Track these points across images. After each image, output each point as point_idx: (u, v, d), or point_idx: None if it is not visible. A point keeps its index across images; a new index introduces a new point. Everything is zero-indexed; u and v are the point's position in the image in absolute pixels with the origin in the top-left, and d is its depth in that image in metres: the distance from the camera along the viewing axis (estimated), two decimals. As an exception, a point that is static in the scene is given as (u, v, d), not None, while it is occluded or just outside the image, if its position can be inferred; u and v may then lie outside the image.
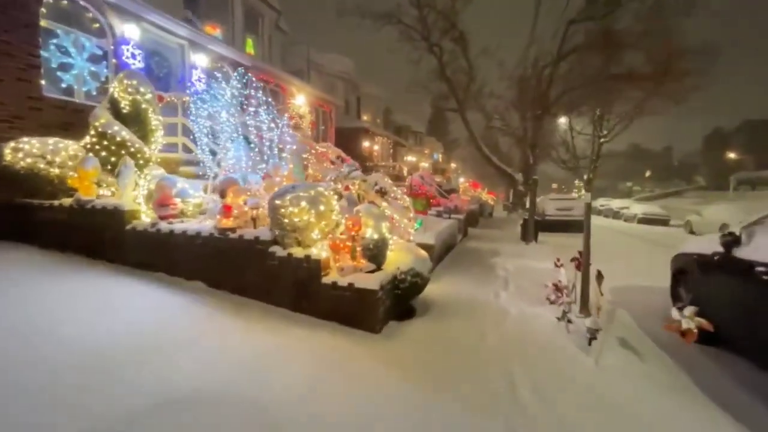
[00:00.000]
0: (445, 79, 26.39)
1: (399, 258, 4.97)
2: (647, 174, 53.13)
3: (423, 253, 5.38)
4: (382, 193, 7.00)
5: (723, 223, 18.71)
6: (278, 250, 4.54)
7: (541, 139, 15.32)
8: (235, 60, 10.84)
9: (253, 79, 8.46)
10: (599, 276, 4.16)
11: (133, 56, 7.91)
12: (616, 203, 33.42)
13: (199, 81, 9.56)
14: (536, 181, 12.78)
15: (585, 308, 4.95)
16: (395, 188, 7.20)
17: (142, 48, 8.18)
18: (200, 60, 9.60)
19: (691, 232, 20.45)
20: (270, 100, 8.13)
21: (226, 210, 4.80)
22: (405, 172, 21.23)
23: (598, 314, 4.10)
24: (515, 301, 5.90)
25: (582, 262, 5.34)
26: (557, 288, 5.66)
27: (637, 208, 28.53)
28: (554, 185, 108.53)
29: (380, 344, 4.04)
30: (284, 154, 7.45)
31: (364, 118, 26.13)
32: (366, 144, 20.02)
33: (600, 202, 36.15)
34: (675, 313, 3.63)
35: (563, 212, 18.77)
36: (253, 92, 7.62)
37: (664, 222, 26.33)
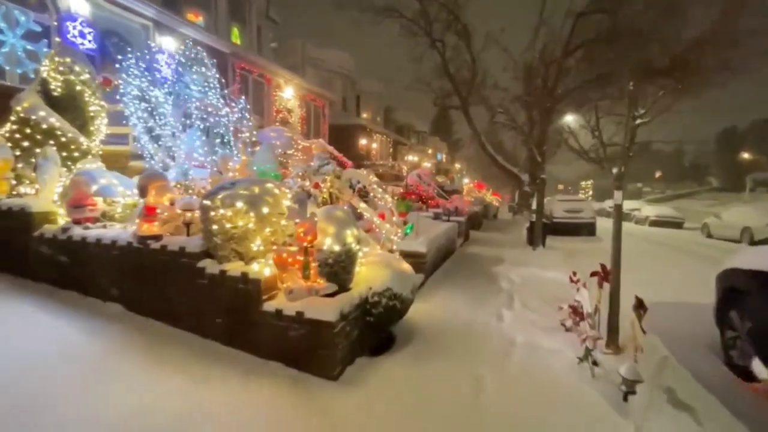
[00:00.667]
0: (448, 76, 25.31)
1: (372, 274, 3.86)
2: (657, 175, 51.53)
3: (406, 267, 4.27)
4: (363, 193, 5.92)
5: (745, 226, 17.53)
6: (209, 266, 3.45)
7: (549, 136, 14.20)
8: (210, 45, 9.83)
9: (211, 60, 7.38)
10: (640, 306, 3.01)
11: (82, 35, 6.90)
12: (626, 205, 32.14)
13: (168, 67, 8.52)
14: (544, 180, 11.63)
15: (614, 342, 3.81)
16: (378, 187, 6.12)
17: (95, 27, 7.17)
18: (168, 44, 8.59)
19: (709, 236, 19.18)
20: (219, 77, 7.03)
21: (148, 212, 3.71)
22: (405, 171, 20.16)
23: (636, 356, 2.97)
24: (522, 326, 4.76)
25: (607, 278, 4.21)
26: (575, 311, 4.52)
27: (649, 210, 27.26)
28: (560, 186, 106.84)
29: (337, 400, 2.92)
30: (243, 145, 6.37)
31: (364, 115, 25.06)
32: (363, 142, 18.95)
33: (609, 204, 34.83)
34: (760, 368, 2.50)
35: (572, 214, 17.57)
36: (199, 68, 6.50)
37: (677, 224, 25.05)
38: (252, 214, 3.29)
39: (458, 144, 60.37)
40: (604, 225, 18.69)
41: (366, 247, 4.51)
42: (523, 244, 12.50)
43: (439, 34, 25.66)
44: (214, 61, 7.05)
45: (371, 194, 6.48)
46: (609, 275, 4.29)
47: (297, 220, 3.29)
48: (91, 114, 5.73)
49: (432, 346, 4.06)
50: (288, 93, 13.00)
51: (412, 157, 28.64)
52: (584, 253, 12.12)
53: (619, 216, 4.19)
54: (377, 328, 3.78)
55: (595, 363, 3.28)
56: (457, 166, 55.94)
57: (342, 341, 3.21)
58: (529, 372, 3.54)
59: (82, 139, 5.55)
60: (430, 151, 42.18)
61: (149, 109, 5.92)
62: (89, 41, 7.03)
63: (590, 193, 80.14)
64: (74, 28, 6.82)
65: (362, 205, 4.96)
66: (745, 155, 41.79)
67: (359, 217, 5.24)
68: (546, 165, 18.35)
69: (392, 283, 3.81)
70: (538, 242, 11.49)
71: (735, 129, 41.71)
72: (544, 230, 11.75)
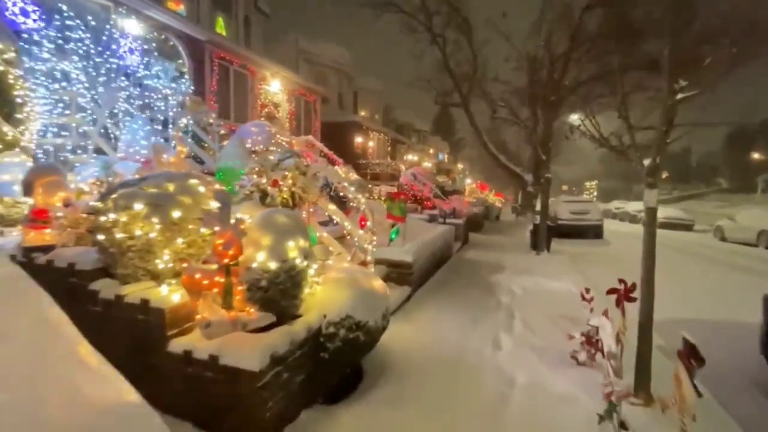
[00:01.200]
0: (449, 72, 24.42)
1: (331, 297, 2.99)
2: (664, 175, 50.18)
3: (377, 285, 3.39)
4: (340, 195, 5.05)
5: (762, 229, 16.52)
6: (104, 288, 2.59)
7: (554, 132, 13.30)
8: (183, 31, 8.99)
9: (185, 48, 6.55)
10: (692, 355, 2.08)
11: (24, 12, 6.08)
12: (632, 206, 31.09)
13: (131, 53, 7.70)
14: (549, 180, 10.72)
15: (643, 389, 2.91)
16: (350, 185, 5.25)
17: (42, 5, 6.36)
18: (132, 27, 7.78)
19: (723, 239, 18.21)
20: (192, 67, 6.20)
21: (36, 216, 2.86)
22: (402, 170, 19.30)
23: (685, 425, 2.07)
24: (524, 358, 3.86)
25: (629, 297, 3.32)
26: (589, 341, 3.62)
27: (658, 212, 26.19)
28: (564, 187, 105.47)
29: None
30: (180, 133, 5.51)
31: (362, 113, 24.22)
32: (359, 140, 18.08)
33: (615, 205, 33.82)
34: None
35: (578, 216, 16.64)
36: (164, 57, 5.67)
37: (687, 227, 24.07)
38: (156, 219, 2.42)
39: (460, 144, 59.41)
40: (611, 227, 17.82)
41: (326, 259, 3.64)
42: (526, 248, 11.59)
43: (440, 29, 24.85)
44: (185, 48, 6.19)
45: (342, 194, 5.61)
46: (631, 293, 3.40)
47: (216, 228, 2.42)
48: (17, 100, 4.90)
49: (409, 386, 3.18)
50: (275, 86, 12.15)
51: (411, 157, 27.76)
52: (592, 258, 11.20)
53: (653, 222, 3.34)
54: (334, 367, 2.91)
55: (623, 427, 2.38)
56: (460, 166, 55.02)
57: (274, 395, 2.34)
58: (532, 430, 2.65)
59: (5, 128, 4.71)
60: (431, 151, 41.29)
61: (65, 89, 5.08)
62: (34, 20, 6.23)
63: (594, 194, 78.96)
64: (14, 4, 6.02)
65: (331, 207, 4.10)
66: (756, 155, 40.60)
67: (335, 222, 4.40)
68: (551, 164, 17.47)
69: (354, 308, 2.93)
70: (542, 246, 10.59)
71: (745, 128, 40.52)
72: (548, 233, 10.85)
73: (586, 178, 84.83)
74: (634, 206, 30.50)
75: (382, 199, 8.44)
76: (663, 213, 25.25)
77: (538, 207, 17.84)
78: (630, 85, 3.32)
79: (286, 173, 3.99)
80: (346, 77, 21.59)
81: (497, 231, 16.78)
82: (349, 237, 4.03)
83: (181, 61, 9.02)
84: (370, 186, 11.28)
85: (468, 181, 45.42)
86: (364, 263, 3.92)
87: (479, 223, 16.05)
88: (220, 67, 10.00)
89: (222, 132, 7.74)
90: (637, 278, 3.42)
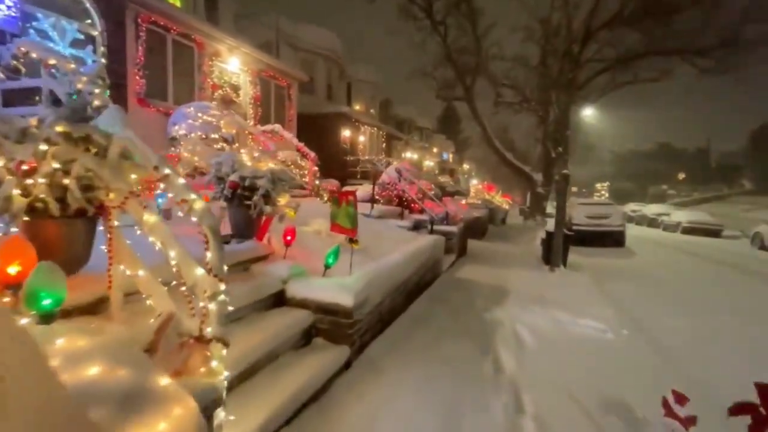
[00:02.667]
0: (451, 62, 22.25)
1: None
2: (681, 176, 47.43)
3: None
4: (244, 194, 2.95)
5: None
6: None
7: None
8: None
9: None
10: None
11: None
12: (651, 209, 28.64)
13: (9, 9, 5.74)
14: (567, 177, 8.51)
15: None
16: (258, 175, 3.17)
17: None
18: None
19: (763, 248, 15.83)
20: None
21: None
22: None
23: None
24: None
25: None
26: None
27: (680, 215, 23.75)
28: (573, 188, 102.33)
29: None
30: None
31: (356, 107, 22.13)
32: (347, 134, 15.97)
33: (631, 208, 31.33)
34: None
35: (596, 221, 14.35)
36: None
37: (714, 232, 21.59)
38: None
39: (466, 143, 57.11)
40: (629, 232, 15.57)
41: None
42: (537, 261, 9.38)
43: (441, 15, 22.72)
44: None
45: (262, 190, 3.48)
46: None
47: None
48: None
49: None
50: (233, 65, 10.07)
51: (411, 155, 25.58)
52: (620, 274, 8.95)
53: None
54: None
55: None
56: (466, 166, 52.79)
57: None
58: None
59: None
60: (435, 150, 39.10)
61: None
62: None
63: (605, 195, 75.86)
64: None
65: (149, 218, 1.99)
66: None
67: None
68: (567, 157, 15.34)
69: None
70: (557, 260, 8.38)
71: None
72: (565, 244, 8.65)
73: (597, 179, 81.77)
74: (653, 209, 28.08)
75: (326, 199, 6.34)
76: (687, 217, 22.81)
77: (549, 209, 15.55)
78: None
79: (43, 147, 1.88)
80: (337, 66, 19.48)
81: (502, 237, 14.55)
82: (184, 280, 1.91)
83: (89, 21, 6.97)
84: (331, 184, 9.15)
85: (474, 181, 43.18)
86: (199, 341, 1.80)
87: (482, 228, 13.85)
88: (151, 35, 7.93)
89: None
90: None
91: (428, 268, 6.16)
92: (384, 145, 20.41)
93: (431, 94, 27.34)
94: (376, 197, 8.79)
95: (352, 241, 4.09)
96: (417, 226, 7.82)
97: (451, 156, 44.93)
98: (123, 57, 7.37)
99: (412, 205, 9.01)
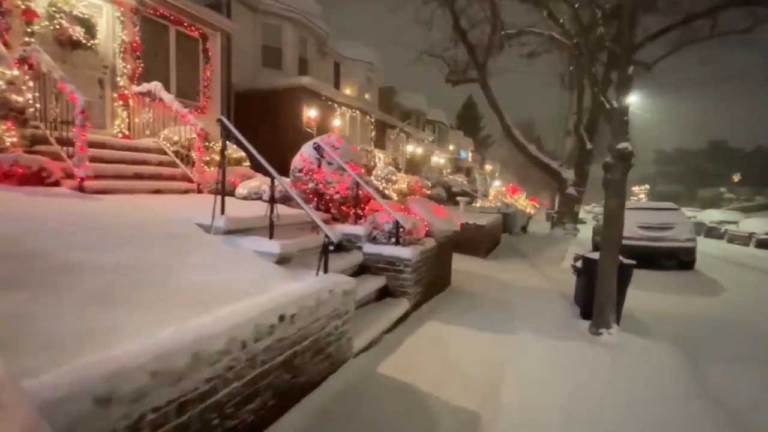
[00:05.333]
0: (462, 38, 18.27)
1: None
2: (736, 178, 41.02)
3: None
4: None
5: None
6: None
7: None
8: None
9: None
10: None
11: None
12: (710, 215, 23.56)
13: None
14: (628, 155, 4.41)
15: None
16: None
17: None
18: None
19: None
20: None
21: None
22: (378, 160, 13.26)
23: None
24: None
25: None
26: None
27: (753, 225, 18.80)
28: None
29: None
30: None
31: (347, 91, 18.42)
32: (312, 114, 12.24)
33: (689, 214, 26.11)
34: None
35: (654, 233, 10.07)
36: None
37: (798, 246, 16.61)
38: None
39: (487, 141, 52.54)
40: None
41: None
42: (565, 308, 5.35)
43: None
44: None
45: None
46: None
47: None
48: None
49: None
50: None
51: (412, 148, 21.60)
52: (723, 337, 4.79)
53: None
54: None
55: None
56: (488, 167, 48.39)
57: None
58: None
59: None
60: (451, 147, 35.03)
61: None
62: None
63: (644, 199, 69.12)
64: None
65: None
66: None
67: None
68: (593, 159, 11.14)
69: None
70: (605, 313, 4.33)
71: None
72: (622, 282, 4.58)
73: (634, 182, 74.27)
74: (713, 215, 23.00)
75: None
76: (764, 227, 17.86)
77: (581, 213, 11.91)
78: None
79: None
80: (313, 36, 15.75)
81: (518, 253, 10.45)
82: None
83: None
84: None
85: (496, 183, 38.90)
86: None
87: (489, 240, 9.80)
88: None
89: None
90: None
91: (291, 367, 2.32)
92: (373, 133, 16.54)
93: (447, 88, 23.00)
94: (306, 195, 5.03)
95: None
96: (326, 249, 3.91)
97: (470, 155, 40.78)
98: None
99: (342, 207, 5.16)
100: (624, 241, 10.25)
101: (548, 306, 5.44)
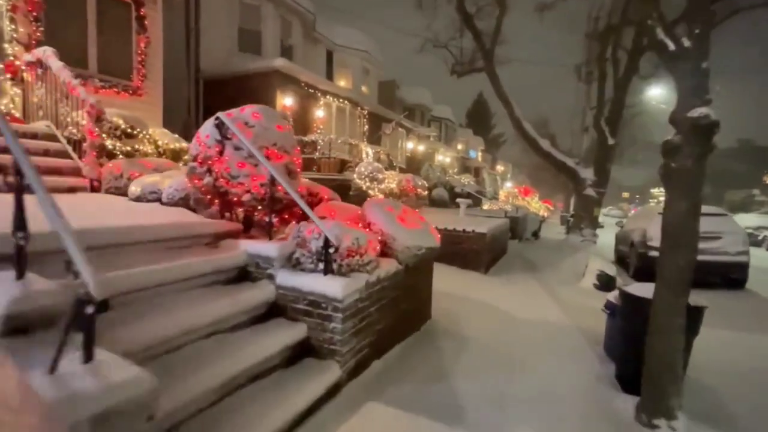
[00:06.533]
0: (466, 22, 16.49)
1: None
2: (767, 179, 38.04)
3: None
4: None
5: None
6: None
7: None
8: None
9: None
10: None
11: None
12: (746, 220, 21.23)
13: None
14: (708, 130, 2.61)
15: None
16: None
17: None
18: None
19: None
20: None
21: None
22: (366, 156, 11.49)
23: None
24: None
25: None
26: None
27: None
28: (625, 194, 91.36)
29: None
30: None
31: (341, 83, 16.79)
32: (288, 103, 10.61)
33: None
34: None
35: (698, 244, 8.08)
36: None
37: None
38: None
39: (498, 140, 50.30)
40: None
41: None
42: (593, 367, 3.53)
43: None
44: None
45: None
46: None
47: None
48: None
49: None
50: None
51: (412, 145, 19.83)
52: None
53: None
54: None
55: None
56: (500, 168, 46.45)
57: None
58: None
59: None
60: (459, 146, 33.20)
61: None
62: None
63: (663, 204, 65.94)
64: None
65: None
66: None
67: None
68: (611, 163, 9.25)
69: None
70: (666, 394, 2.53)
71: None
72: (691, 333, 2.76)
73: (652, 184, 70.70)
74: (749, 220, 20.72)
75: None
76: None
77: (601, 217, 10.50)
78: None
79: None
80: (298, 18, 14.12)
81: (526, 266, 8.60)
82: None
83: None
84: None
85: (508, 184, 36.98)
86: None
87: (497, 248, 8.01)
88: None
89: None
90: None
91: None
92: (366, 127, 14.82)
93: (457, 85, 21.09)
94: (202, 195, 3.43)
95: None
96: (87, 318, 2.13)
97: (480, 154, 38.90)
98: None
99: (252, 213, 3.45)
100: (651, 252, 8.41)
101: (568, 362, 3.64)
